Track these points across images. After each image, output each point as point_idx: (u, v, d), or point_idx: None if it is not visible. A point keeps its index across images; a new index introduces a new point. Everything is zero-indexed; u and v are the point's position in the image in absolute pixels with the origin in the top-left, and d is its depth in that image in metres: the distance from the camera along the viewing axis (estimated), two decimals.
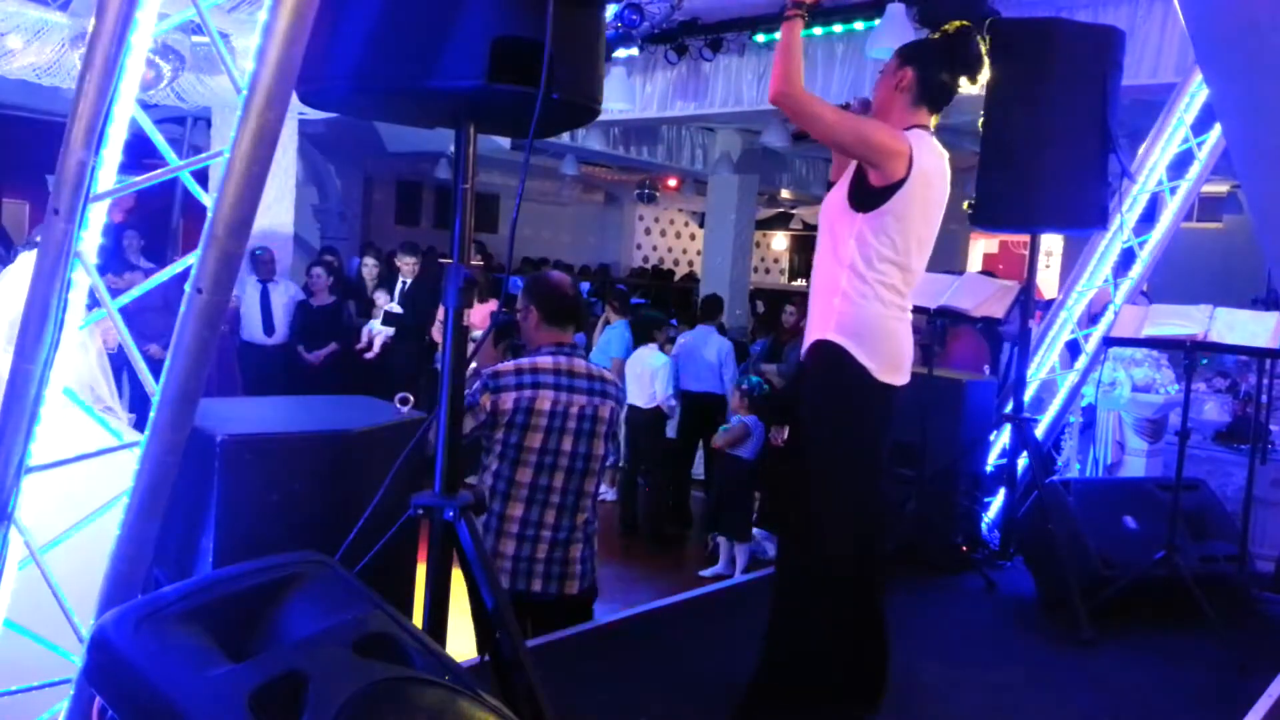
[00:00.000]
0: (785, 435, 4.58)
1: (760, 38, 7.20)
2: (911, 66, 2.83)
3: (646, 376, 7.00)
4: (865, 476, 2.83)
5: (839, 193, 2.86)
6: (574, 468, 3.13)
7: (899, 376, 2.80)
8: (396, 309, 7.81)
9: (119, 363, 4.28)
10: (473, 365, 3.03)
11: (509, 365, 3.15)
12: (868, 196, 2.74)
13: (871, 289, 2.73)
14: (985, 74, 2.92)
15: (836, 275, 2.76)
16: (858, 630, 2.86)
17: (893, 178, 2.70)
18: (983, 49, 2.88)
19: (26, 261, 3.65)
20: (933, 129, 2.87)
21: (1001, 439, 4.89)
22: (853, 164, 2.85)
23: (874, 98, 2.95)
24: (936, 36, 2.91)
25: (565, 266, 16.69)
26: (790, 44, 2.69)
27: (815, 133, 2.78)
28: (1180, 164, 5.07)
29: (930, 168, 2.76)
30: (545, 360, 3.15)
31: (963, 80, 2.90)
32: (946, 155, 2.85)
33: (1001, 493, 4.73)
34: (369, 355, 7.84)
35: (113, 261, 6.76)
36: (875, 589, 2.88)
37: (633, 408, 6.96)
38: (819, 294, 2.83)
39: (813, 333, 2.83)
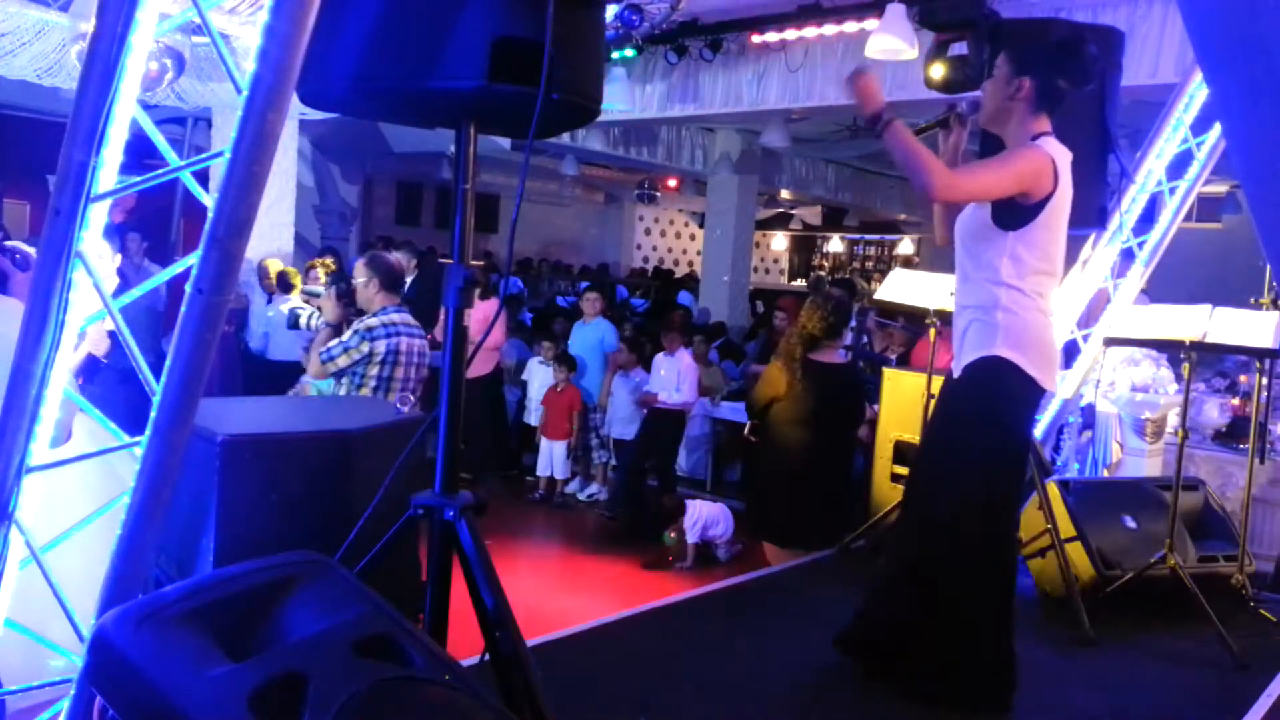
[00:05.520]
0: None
1: (759, 38, 7.20)
2: (1029, 76, 2.87)
3: (672, 376, 7.03)
4: (1020, 475, 3.08)
5: (980, 213, 2.92)
6: (408, 389, 4.31)
7: (1054, 381, 3.00)
8: None
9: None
10: (325, 317, 4.52)
11: (375, 320, 4.28)
12: (1018, 214, 2.81)
13: (1031, 300, 2.85)
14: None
15: (994, 293, 2.85)
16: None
17: (1043, 194, 2.80)
18: (1093, 52, 2.94)
19: None
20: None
21: None
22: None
23: (986, 104, 3.00)
24: (1050, 44, 3.01)
25: (565, 267, 16.73)
26: (908, 145, 2.71)
27: (981, 199, 2.86)
28: (1179, 164, 5.06)
29: (1066, 172, 2.86)
30: (395, 316, 4.34)
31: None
32: (1070, 154, 2.91)
33: None
34: None
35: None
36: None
37: (655, 408, 7.03)
38: (977, 313, 2.91)
39: (974, 349, 2.92)
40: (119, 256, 4.27)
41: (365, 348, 4.24)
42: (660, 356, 7.26)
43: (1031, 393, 2.92)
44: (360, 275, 4.44)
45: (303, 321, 4.74)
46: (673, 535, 6.36)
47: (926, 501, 3.05)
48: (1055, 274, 2.92)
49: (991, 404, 2.93)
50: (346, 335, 4.29)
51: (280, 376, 7.10)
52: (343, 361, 4.22)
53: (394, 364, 4.27)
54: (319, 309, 4.73)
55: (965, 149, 3.17)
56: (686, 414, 7.35)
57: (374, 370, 4.25)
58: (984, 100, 3.01)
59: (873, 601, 3.18)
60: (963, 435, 3.00)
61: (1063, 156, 2.87)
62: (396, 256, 7.87)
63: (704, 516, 6.26)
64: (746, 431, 4.70)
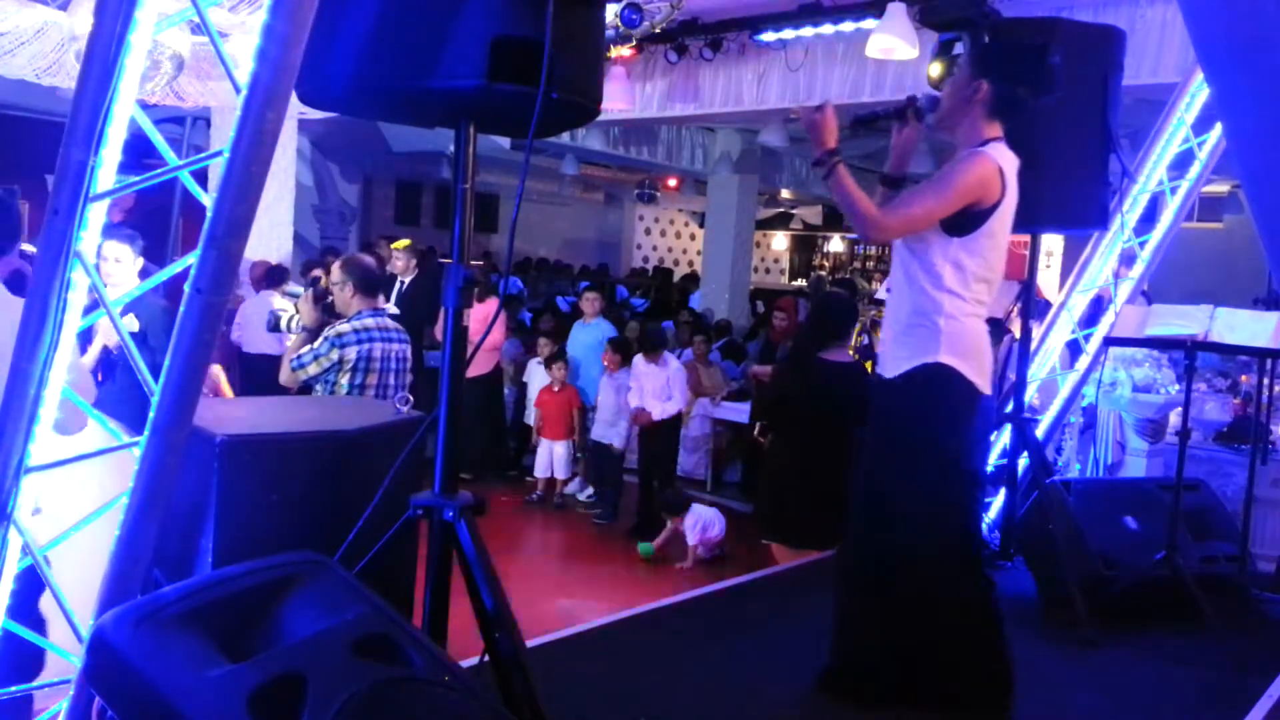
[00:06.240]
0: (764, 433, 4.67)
1: (766, 36, 7.19)
2: (987, 80, 2.83)
3: (661, 383, 7.01)
4: (975, 485, 3.01)
5: None
6: (386, 396, 4.19)
7: (989, 386, 2.93)
8: (393, 310, 7.79)
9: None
10: (302, 320, 4.37)
11: (347, 326, 4.19)
12: (965, 221, 2.76)
13: (971, 306, 2.82)
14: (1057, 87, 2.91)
15: (936, 299, 2.81)
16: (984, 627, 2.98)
17: (991, 201, 2.76)
18: (1056, 62, 2.87)
19: None
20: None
21: (1001, 439, 4.88)
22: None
23: (945, 103, 2.95)
24: (1013, 48, 2.96)
25: (565, 267, 16.72)
26: (845, 189, 2.74)
27: (922, 229, 2.82)
28: (1181, 163, 5.05)
29: (1013, 179, 2.82)
30: (370, 320, 4.24)
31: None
32: (1017, 160, 2.88)
33: (1002, 493, 4.73)
34: None
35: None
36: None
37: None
38: (914, 317, 2.85)
39: (914, 354, 2.85)
40: (140, 260, 4.20)
41: (335, 355, 4.14)
42: (640, 360, 7.06)
43: (975, 398, 2.87)
44: (336, 278, 4.33)
45: (282, 324, 4.64)
46: (654, 546, 6.39)
47: (896, 514, 2.97)
48: (996, 282, 2.89)
49: (940, 413, 2.86)
50: (318, 342, 4.19)
51: (256, 370, 7.13)
52: (313, 369, 4.13)
53: (366, 370, 4.18)
54: (298, 310, 4.66)
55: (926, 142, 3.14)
56: (682, 417, 7.32)
57: (345, 378, 4.16)
58: (943, 99, 2.96)
59: (847, 624, 3.11)
60: (917, 448, 2.91)
61: (1010, 164, 2.82)
62: (398, 256, 7.89)
63: (702, 518, 6.28)
64: (756, 432, 4.68)
